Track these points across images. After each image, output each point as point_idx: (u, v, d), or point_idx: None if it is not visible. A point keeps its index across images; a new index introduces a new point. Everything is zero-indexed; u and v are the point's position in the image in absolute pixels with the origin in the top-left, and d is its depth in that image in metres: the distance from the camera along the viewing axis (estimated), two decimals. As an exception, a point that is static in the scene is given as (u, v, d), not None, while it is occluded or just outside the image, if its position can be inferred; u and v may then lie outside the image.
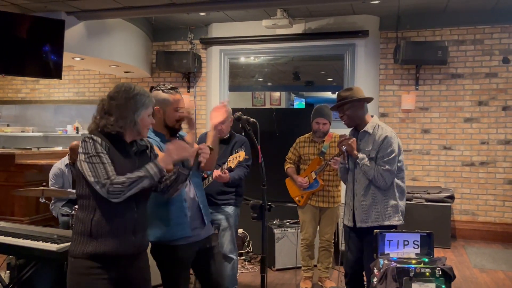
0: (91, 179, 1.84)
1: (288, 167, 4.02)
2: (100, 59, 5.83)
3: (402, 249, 2.53)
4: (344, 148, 2.86)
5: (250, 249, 4.89)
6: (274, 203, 4.11)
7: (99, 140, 1.89)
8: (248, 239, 4.93)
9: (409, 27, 5.89)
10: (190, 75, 6.70)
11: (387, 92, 6.13)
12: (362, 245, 2.89)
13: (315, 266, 4.12)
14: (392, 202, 2.84)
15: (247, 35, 6.28)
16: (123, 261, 1.95)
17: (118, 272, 1.94)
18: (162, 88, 2.35)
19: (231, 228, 3.40)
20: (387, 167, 2.76)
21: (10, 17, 4.89)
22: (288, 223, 4.65)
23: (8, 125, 7.70)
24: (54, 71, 5.16)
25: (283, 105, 10.32)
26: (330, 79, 9.59)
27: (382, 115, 6.10)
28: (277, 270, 4.50)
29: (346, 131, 3.09)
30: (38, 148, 5.79)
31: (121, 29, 5.97)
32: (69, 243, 2.27)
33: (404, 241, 2.55)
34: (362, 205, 2.86)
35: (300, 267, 4.16)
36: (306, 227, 3.93)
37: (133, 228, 1.97)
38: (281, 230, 4.53)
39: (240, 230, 4.68)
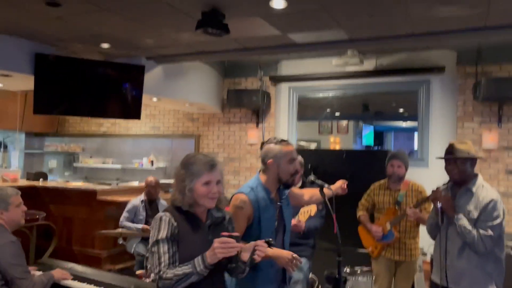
0: (149, 266, 1.89)
1: (361, 214, 3.88)
2: (176, 100, 6.11)
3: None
4: (440, 205, 2.71)
5: (319, 294, 4.76)
6: (345, 247, 4.02)
7: (167, 218, 1.88)
8: (317, 284, 4.81)
9: (491, 62, 5.54)
10: (259, 111, 6.80)
11: (466, 130, 5.78)
12: None
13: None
14: (488, 269, 2.66)
15: (316, 72, 6.27)
16: None
17: None
18: (273, 142, 2.36)
19: (303, 282, 3.34)
20: (490, 232, 2.60)
21: (95, 64, 5.31)
22: (359, 271, 4.47)
23: (91, 157, 8.28)
24: (133, 112, 5.49)
25: (350, 134, 10.11)
26: (401, 110, 9.27)
27: (461, 154, 5.74)
28: (348, 320, 4.32)
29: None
30: (117, 184, 6.14)
31: (195, 70, 6.24)
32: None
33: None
34: (455, 265, 2.72)
35: (373, 318, 3.97)
36: (381, 280, 3.75)
37: None
38: (353, 279, 4.37)
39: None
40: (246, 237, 2.26)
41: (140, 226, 4.70)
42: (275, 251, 2.21)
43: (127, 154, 8.00)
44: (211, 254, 1.80)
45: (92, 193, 5.44)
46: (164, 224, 1.86)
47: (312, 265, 3.50)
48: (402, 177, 3.70)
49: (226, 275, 2.06)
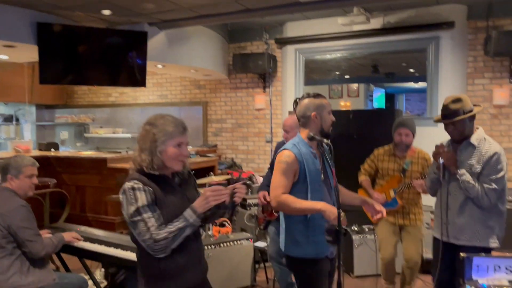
0: (136, 236, 1.82)
1: (364, 179, 3.78)
2: (180, 66, 6.07)
3: (492, 275, 2.33)
4: (442, 161, 2.67)
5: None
6: (352, 207, 4.04)
7: (140, 186, 1.80)
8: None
9: (502, 15, 5.36)
10: (266, 75, 6.74)
11: (477, 86, 5.66)
12: (453, 261, 2.72)
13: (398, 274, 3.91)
14: (490, 223, 2.66)
15: (323, 33, 6.15)
16: None
17: None
18: (312, 95, 2.42)
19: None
20: (493, 186, 2.58)
21: (98, 32, 5.28)
22: (367, 229, 4.53)
23: (101, 127, 8.35)
24: (139, 80, 5.49)
25: (361, 97, 9.97)
26: (412, 70, 9.08)
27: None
28: (356, 277, 4.41)
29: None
30: (127, 152, 6.20)
31: (199, 35, 6.16)
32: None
33: (495, 266, 2.34)
34: (455, 221, 2.71)
35: (380, 275, 4.02)
36: (385, 245, 3.64)
37: (199, 256, 2.01)
38: (360, 237, 4.43)
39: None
40: (295, 193, 2.30)
41: None
42: (323, 205, 2.21)
43: (136, 123, 8.03)
44: (202, 203, 1.83)
45: (102, 161, 5.52)
46: (139, 192, 1.79)
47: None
48: (409, 145, 3.59)
49: None
